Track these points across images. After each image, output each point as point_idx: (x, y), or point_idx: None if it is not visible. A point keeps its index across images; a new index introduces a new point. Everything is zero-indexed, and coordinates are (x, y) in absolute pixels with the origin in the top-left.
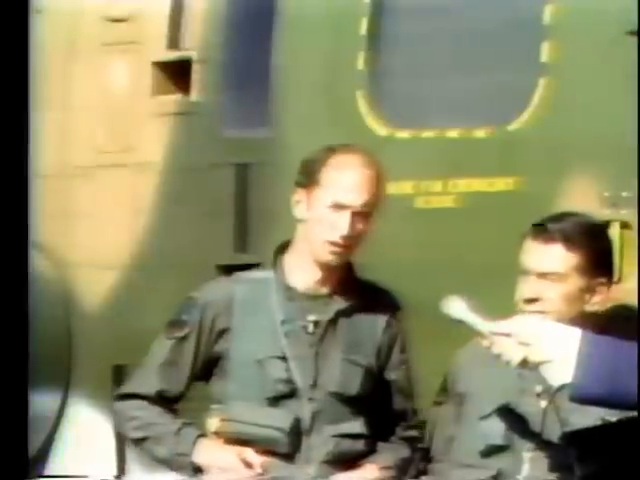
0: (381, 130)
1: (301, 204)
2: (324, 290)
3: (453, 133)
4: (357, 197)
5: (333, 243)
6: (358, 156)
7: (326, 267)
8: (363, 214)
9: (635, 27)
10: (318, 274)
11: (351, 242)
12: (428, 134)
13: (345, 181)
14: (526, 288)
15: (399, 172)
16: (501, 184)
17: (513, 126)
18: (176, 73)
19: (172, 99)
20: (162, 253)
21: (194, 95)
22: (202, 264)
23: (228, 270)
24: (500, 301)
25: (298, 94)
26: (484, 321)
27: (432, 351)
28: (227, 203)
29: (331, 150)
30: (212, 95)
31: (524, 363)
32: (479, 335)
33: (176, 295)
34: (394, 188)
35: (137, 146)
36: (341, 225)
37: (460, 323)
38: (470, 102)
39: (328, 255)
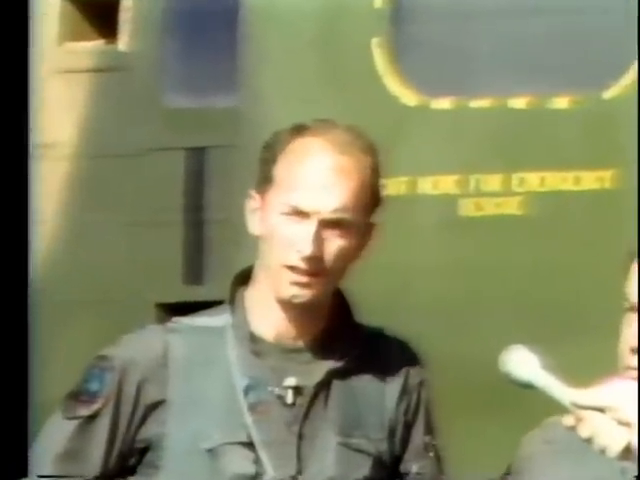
0: (409, 98)
1: (255, 214)
2: (304, 341)
3: (518, 102)
4: (325, 198)
5: (293, 269)
6: (332, 138)
7: (294, 309)
8: (339, 224)
9: None
10: (295, 316)
11: (320, 268)
12: (480, 104)
13: (305, 175)
14: (633, 333)
15: (435, 161)
16: (591, 180)
17: (610, 93)
18: (97, 11)
19: (90, 48)
20: (73, 283)
21: (122, 43)
22: (136, 301)
23: (174, 310)
24: (590, 357)
25: (280, 45)
26: (566, 387)
27: (484, 432)
28: (173, 208)
29: (296, 130)
30: (149, 44)
31: (627, 452)
32: (559, 409)
33: (94, 348)
34: (427, 186)
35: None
36: (302, 241)
37: (528, 388)
38: (545, 57)
39: (288, 288)
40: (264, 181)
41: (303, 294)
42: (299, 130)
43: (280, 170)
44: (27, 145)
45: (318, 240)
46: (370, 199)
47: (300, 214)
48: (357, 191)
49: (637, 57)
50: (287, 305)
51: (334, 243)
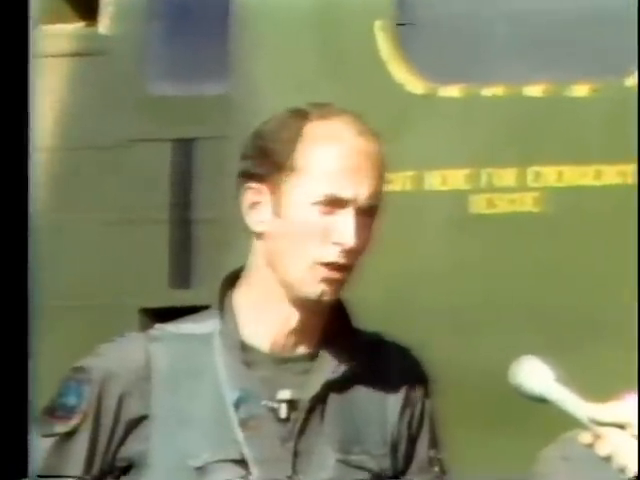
0: (415, 85)
1: (261, 207)
2: (301, 349)
3: (534, 90)
4: (361, 185)
5: (329, 265)
6: (347, 120)
7: (309, 309)
8: (370, 212)
9: None
10: (291, 322)
11: (354, 259)
12: (492, 92)
13: (340, 161)
14: None
15: (444, 154)
16: (613, 174)
17: (632, 80)
18: None
19: (69, 31)
20: (50, 287)
21: (104, 26)
22: (118, 307)
23: (160, 316)
24: (610, 367)
25: (275, 28)
26: (582, 401)
27: (492, 447)
28: (158, 205)
29: (301, 114)
30: (133, 27)
31: None
32: (575, 424)
33: (73, 357)
34: (435, 181)
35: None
36: (342, 232)
37: (541, 402)
38: (562, 40)
39: (318, 286)
40: (274, 171)
41: (332, 291)
42: (303, 114)
43: (302, 158)
44: (26, 141)
45: (359, 230)
46: (382, 185)
47: (336, 203)
48: (378, 175)
49: (637, 56)
50: (302, 307)
51: (365, 233)
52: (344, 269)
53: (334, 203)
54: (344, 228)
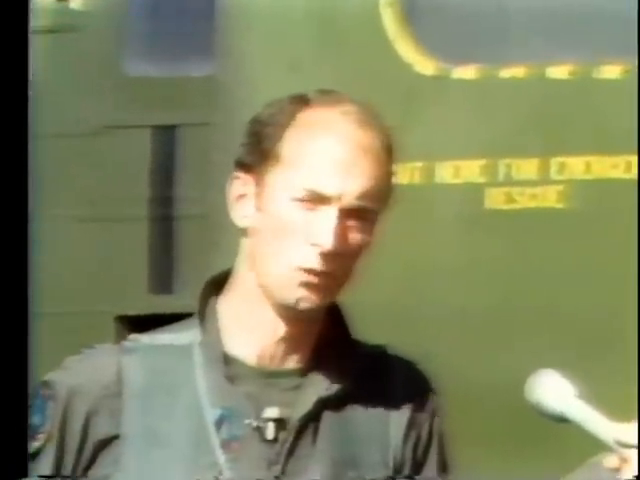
0: (425, 66)
1: (246, 200)
2: (292, 363)
3: (559, 71)
4: (350, 182)
5: (306, 269)
6: (349, 110)
7: (294, 317)
8: (360, 214)
9: None
10: (279, 332)
11: (334, 265)
12: (511, 73)
13: (327, 153)
14: None
15: (457, 143)
16: None
17: None
18: None
19: (38, 5)
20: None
21: (76, 0)
22: (92, 314)
23: (138, 324)
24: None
25: (266, 3)
26: (608, 421)
27: (508, 471)
28: (137, 200)
29: (300, 101)
30: (108, 1)
31: None
32: (600, 445)
33: (41, 369)
34: (447, 173)
35: None
36: (320, 232)
37: (561, 422)
38: (591, 16)
39: (294, 290)
40: (261, 160)
41: (312, 298)
42: (303, 100)
43: (288, 146)
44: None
45: (340, 231)
46: (386, 186)
47: (318, 199)
48: (379, 174)
49: (637, 55)
50: (285, 314)
51: (352, 237)
52: (323, 274)
53: (316, 200)
54: (322, 228)
